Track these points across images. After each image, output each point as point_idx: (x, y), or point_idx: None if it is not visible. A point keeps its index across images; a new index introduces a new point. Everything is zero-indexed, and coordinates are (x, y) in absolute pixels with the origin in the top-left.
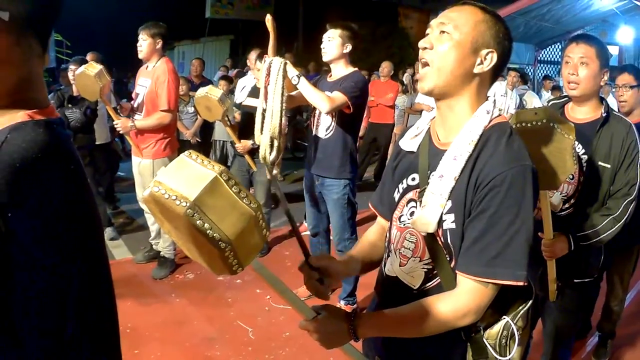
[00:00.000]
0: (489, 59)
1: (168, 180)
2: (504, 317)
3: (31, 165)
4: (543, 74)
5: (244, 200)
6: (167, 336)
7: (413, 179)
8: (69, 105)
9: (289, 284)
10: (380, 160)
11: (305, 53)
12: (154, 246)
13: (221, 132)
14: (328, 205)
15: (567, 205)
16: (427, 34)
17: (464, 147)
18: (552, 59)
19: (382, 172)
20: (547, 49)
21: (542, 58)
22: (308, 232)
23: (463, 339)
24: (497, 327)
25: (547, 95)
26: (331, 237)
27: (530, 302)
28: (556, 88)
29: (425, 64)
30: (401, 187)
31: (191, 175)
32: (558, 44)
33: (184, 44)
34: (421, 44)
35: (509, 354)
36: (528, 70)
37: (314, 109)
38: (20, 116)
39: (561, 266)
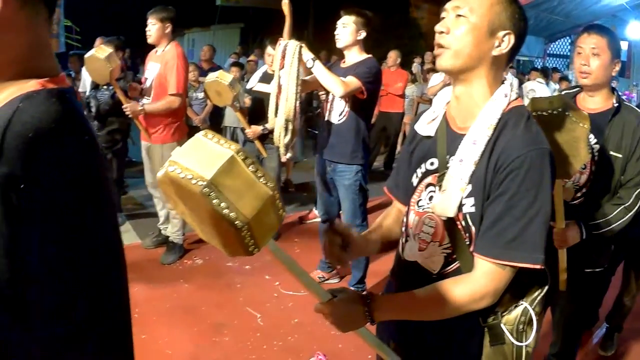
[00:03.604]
0: (507, 40)
1: (183, 160)
2: (521, 302)
3: (45, 136)
4: (552, 67)
5: (261, 180)
6: (175, 321)
7: (432, 164)
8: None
9: None
10: (390, 149)
11: (315, 41)
12: (162, 231)
13: (231, 118)
14: (339, 192)
15: (579, 195)
16: (443, 18)
17: (483, 131)
18: (562, 53)
19: (391, 161)
20: (557, 43)
21: (552, 51)
22: (318, 219)
23: (481, 325)
24: (515, 313)
25: (554, 87)
26: None
27: (547, 287)
28: (563, 79)
29: (442, 47)
30: (419, 171)
31: (207, 155)
32: (567, 37)
33: (194, 32)
34: (437, 28)
35: (526, 340)
36: (537, 63)
37: (327, 94)
38: (31, 85)
39: (572, 255)
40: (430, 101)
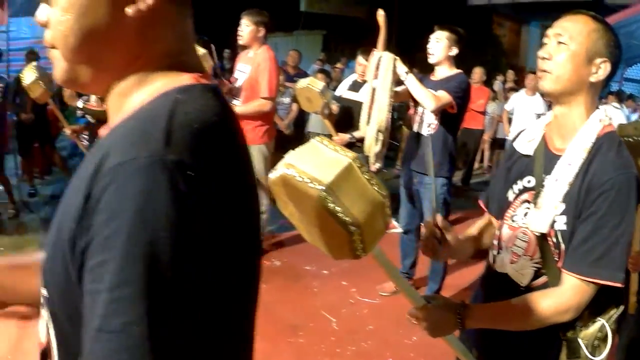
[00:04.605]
0: (603, 67)
1: (300, 164)
2: (599, 319)
3: (210, 129)
4: (629, 93)
5: (375, 187)
6: None
7: (529, 182)
8: None
9: (376, 278)
10: (468, 165)
11: (398, 54)
12: None
13: (315, 124)
14: (424, 203)
15: None
16: (545, 44)
17: (578, 153)
18: (638, 78)
19: (469, 177)
20: (634, 67)
21: (628, 76)
22: (397, 230)
23: (560, 337)
24: (593, 329)
25: (626, 111)
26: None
27: (622, 307)
28: None
29: (544, 72)
30: (516, 188)
31: (324, 160)
32: None
33: (277, 36)
34: (540, 54)
35: (600, 355)
36: (613, 87)
37: (416, 106)
38: (185, 79)
39: None
40: (509, 120)
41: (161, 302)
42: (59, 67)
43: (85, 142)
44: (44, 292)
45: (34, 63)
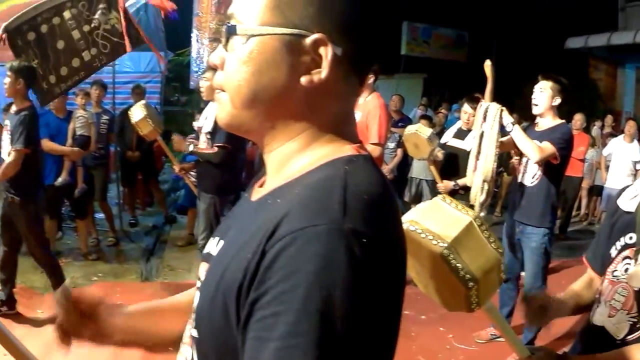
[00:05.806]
0: None
1: (424, 220)
2: None
3: (377, 200)
4: None
5: (492, 245)
6: None
7: (630, 238)
8: None
9: (472, 325)
10: (567, 213)
11: (496, 100)
12: None
13: (419, 170)
14: (525, 253)
15: None
16: None
17: None
18: None
19: (567, 225)
20: None
21: None
22: None
23: None
24: None
25: None
26: (520, 284)
27: None
28: None
29: None
30: (619, 244)
31: (446, 218)
32: None
33: (378, 79)
34: None
35: None
36: None
37: (521, 157)
38: (348, 149)
39: None
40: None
41: (331, 353)
42: (225, 111)
43: (193, 179)
44: (194, 332)
45: (143, 101)
